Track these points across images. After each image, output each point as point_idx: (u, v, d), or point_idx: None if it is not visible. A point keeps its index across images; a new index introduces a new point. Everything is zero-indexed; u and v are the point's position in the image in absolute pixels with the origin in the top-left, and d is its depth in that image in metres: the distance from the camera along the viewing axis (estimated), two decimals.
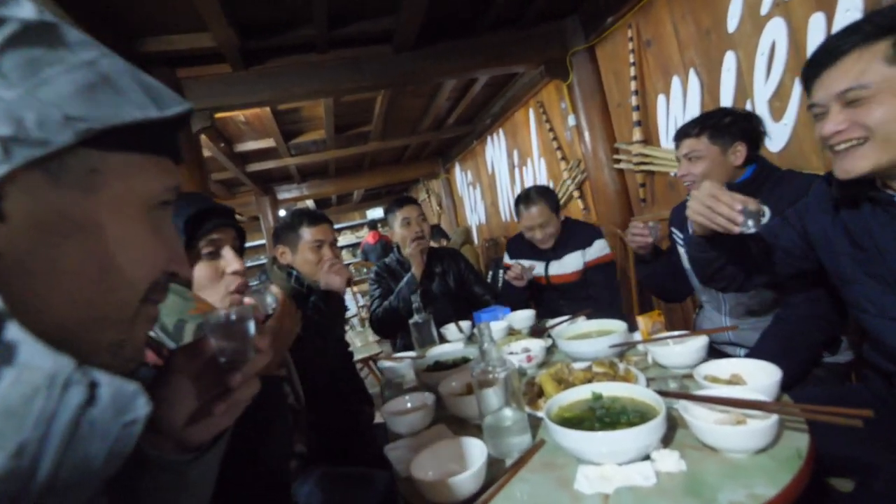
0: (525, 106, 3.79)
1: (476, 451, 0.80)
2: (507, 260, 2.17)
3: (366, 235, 7.92)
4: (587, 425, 0.78)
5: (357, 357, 2.59)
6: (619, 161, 2.69)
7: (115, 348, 0.31)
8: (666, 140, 2.33)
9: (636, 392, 0.83)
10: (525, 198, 1.94)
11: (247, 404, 0.43)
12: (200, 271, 0.93)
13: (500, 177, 4.63)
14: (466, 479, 0.71)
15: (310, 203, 7.52)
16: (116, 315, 0.31)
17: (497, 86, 3.85)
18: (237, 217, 1.04)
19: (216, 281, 0.95)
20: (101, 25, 1.83)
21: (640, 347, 1.16)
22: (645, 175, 2.55)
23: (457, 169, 6.03)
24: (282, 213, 6.01)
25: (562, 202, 3.36)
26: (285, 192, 6.06)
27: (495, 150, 4.59)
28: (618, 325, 1.22)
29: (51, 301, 0.28)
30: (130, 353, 0.33)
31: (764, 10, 1.70)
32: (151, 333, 0.72)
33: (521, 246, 2.10)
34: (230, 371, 0.40)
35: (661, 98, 2.31)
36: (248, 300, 0.89)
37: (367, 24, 2.35)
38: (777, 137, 1.73)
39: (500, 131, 4.39)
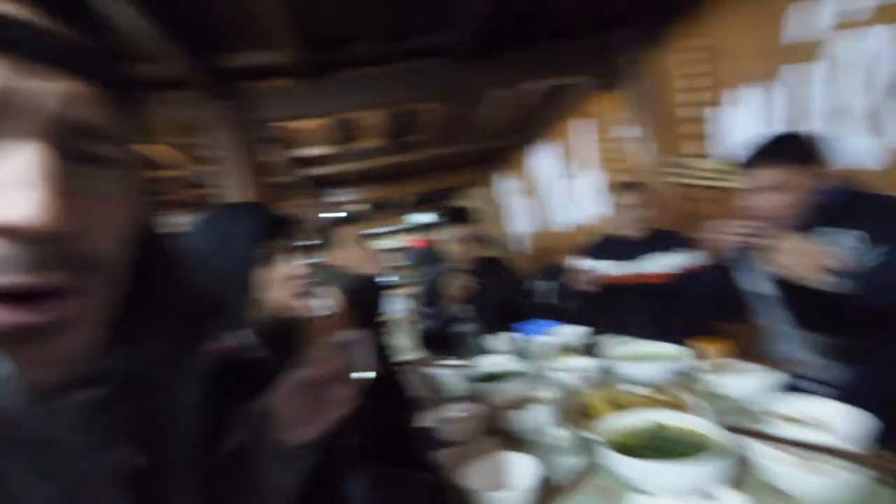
0: (581, 115, 3.72)
1: (528, 467, 0.79)
2: (581, 264, 2.05)
3: (413, 240, 8.05)
4: (645, 453, 0.75)
5: (404, 358, 2.64)
6: (679, 175, 2.58)
7: None
8: (731, 154, 2.20)
9: (700, 424, 0.80)
10: (623, 186, 1.97)
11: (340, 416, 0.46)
12: (269, 274, 1.00)
13: (551, 186, 4.56)
14: (519, 496, 0.71)
15: (359, 207, 7.76)
16: None
17: (551, 94, 3.81)
18: (293, 217, 1.12)
19: (282, 284, 1.02)
20: (184, 40, 2.00)
21: (706, 376, 1.10)
22: (708, 190, 2.42)
23: (506, 177, 6.01)
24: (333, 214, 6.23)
25: None
26: (339, 196, 6.29)
27: (547, 159, 4.53)
28: (679, 350, 1.17)
29: None
30: None
31: (861, 15, 1.56)
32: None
33: (599, 249, 2.04)
34: (340, 386, 0.43)
35: (728, 110, 2.19)
36: (309, 302, 0.94)
37: (424, 39, 2.41)
38: (876, 155, 1.59)
39: (553, 140, 4.33)
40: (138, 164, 0.34)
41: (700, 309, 1.69)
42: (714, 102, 2.29)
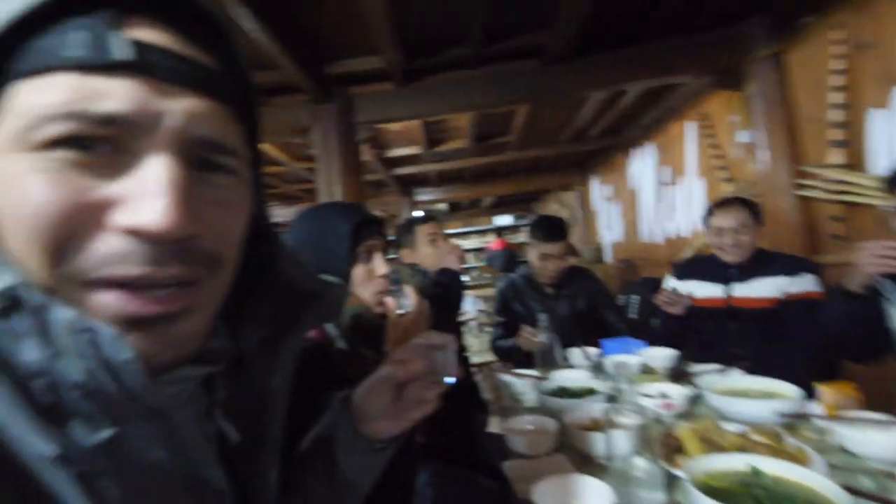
0: (683, 118, 3.42)
1: (601, 494, 0.76)
2: (669, 285, 1.84)
3: (492, 241, 8.03)
4: (739, 502, 0.67)
5: (473, 361, 2.65)
6: (805, 187, 2.26)
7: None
8: (880, 165, 1.88)
9: (811, 479, 0.69)
10: (723, 202, 1.69)
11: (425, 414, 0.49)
12: (358, 271, 1.06)
13: (644, 194, 4.26)
14: None
15: (443, 206, 7.93)
16: (42, 283, 0.26)
17: (651, 96, 3.55)
18: (378, 214, 1.17)
19: (368, 281, 1.07)
20: (297, 51, 2.19)
21: (821, 423, 0.96)
22: (843, 207, 2.09)
23: (595, 182, 5.74)
24: (415, 214, 6.45)
25: None
26: (423, 195, 6.48)
27: (642, 164, 4.24)
28: (788, 390, 1.03)
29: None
30: None
31: None
32: None
33: (693, 267, 1.81)
34: (426, 386, 0.46)
35: (875, 114, 1.87)
36: (389, 300, 0.98)
37: (519, 41, 2.38)
38: None
39: (650, 145, 4.04)
40: (257, 169, 0.38)
41: (818, 342, 1.45)
42: (857, 105, 1.97)
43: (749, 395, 1.06)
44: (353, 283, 1.06)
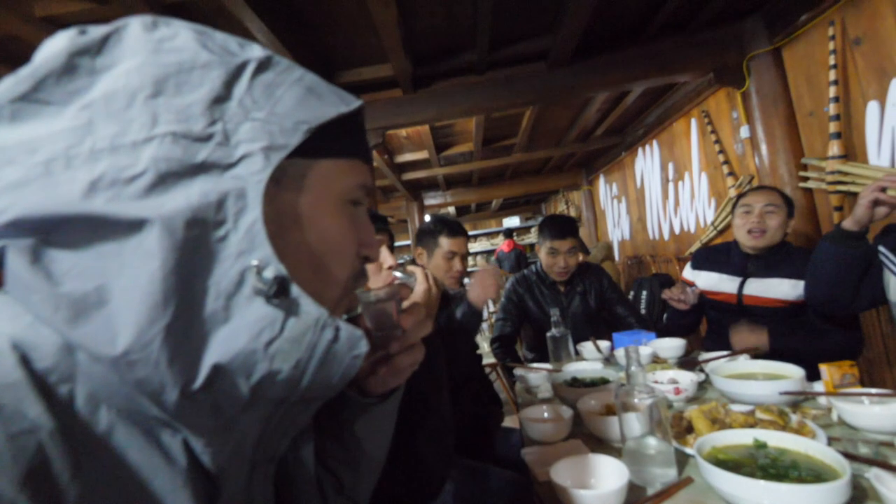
0: (686, 115, 3.47)
1: (616, 470, 0.81)
2: (686, 273, 1.84)
3: (501, 243, 8.08)
4: (746, 471, 0.73)
5: (485, 361, 2.69)
6: (806, 179, 2.30)
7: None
8: (877, 156, 1.92)
9: (812, 448, 0.75)
10: (757, 187, 1.69)
11: (413, 369, 0.50)
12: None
13: (650, 191, 4.30)
14: (608, 495, 0.73)
15: (451, 210, 7.99)
16: (330, 292, 0.39)
17: (654, 94, 3.61)
18: (389, 220, 1.25)
19: (377, 274, 1.15)
20: (310, 58, 2.29)
21: (822, 401, 1.01)
22: (843, 197, 2.13)
23: (601, 181, 5.78)
24: (427, 217, 6.52)
25: (725, 221, 3.00)
26: (431, 199, 6.56)
27: (647, 162, 4.29)
28: (792, 371, 1.08)
29: (297, 274, 0.35)
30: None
31: None
32: None
33: (711, 256, 1.78)
34: (385, 342, 0.48)
35: (872, 105, 1.91)
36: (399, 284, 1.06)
37: (524, 46, 2.45)
38: None
39: (654, 143, 4.08)
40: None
41: (810, 301, 1.45)
42: (855, 97, 2.02)
43: (755, 378, 1.12)
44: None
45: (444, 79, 2.65)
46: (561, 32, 2.21)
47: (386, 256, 1.16)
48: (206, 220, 0.30)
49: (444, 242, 1.64)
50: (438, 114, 2.73)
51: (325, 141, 0.38)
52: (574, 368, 1.50)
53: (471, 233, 9.29)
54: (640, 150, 4.40)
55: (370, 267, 1.15)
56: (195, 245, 0.30)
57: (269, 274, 0.31)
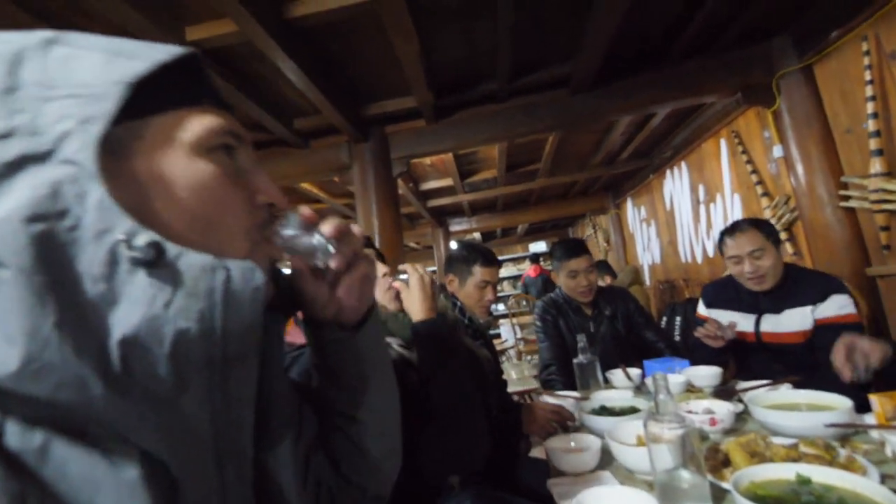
0: (715, 136, 3.40)
1: None
2: (701, 310, 1.79)
3: (527, 268, 8.00)
4: None
5: (512, 389, 2.63)
6: (847, 198, 2.19)
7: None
8: None
9: (862, 486, 0.69)
10: (731, 227, 1.62)
11: (370, 283, 0.50)
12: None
13: (680, 213, 4.20)
14: None
15: (477, 236, 8.02)
16: (230, 245, 0.38)
17: (681, 116, 3.57)
18: (413, 246, 1.26)
19: (381, 285, 1.17)
20: (337, 93, 2.38)
21: (874, 434, 0.93)
22: (888, 216, 2.01)
23: (629, 204, 5.69)
24: (452, 244, 6.55)
25: None
26: (456, 225, 6.61)
27: (676, 184, 4.20)
28: (839, 402, 1.00)
29: (181, 234, 0.35)
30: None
31: None
32: None
33: (721, 293, 1.73)
34: (324, 267, 0.46)
35: None
36: (396, 284, 1.06)
37: (545, 72, 2.49)
38: None
39: (683, 164, 4.01)
40: None
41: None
42: (893, 112, 1.94)
43: (798, 409, 1.04)
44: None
45: (466, 108, 2.71)
46: (582, 57, 2.23)
47: (379, 266, 1.17)
48: (46, 214, 0.29)
49: (478, 271, 1.59)
50: (461, 143, 2.79)
51: (154, 97, 0.36)
52: (603, 396, 1.45)
53: (499, 258, 9.25)
54: (668, 173, 4.33)
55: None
56: (45, 240, 0.29)
57: (139, 242, 0.31)
